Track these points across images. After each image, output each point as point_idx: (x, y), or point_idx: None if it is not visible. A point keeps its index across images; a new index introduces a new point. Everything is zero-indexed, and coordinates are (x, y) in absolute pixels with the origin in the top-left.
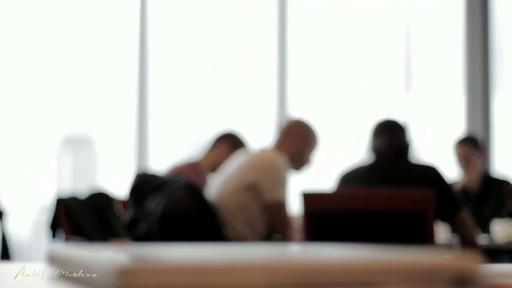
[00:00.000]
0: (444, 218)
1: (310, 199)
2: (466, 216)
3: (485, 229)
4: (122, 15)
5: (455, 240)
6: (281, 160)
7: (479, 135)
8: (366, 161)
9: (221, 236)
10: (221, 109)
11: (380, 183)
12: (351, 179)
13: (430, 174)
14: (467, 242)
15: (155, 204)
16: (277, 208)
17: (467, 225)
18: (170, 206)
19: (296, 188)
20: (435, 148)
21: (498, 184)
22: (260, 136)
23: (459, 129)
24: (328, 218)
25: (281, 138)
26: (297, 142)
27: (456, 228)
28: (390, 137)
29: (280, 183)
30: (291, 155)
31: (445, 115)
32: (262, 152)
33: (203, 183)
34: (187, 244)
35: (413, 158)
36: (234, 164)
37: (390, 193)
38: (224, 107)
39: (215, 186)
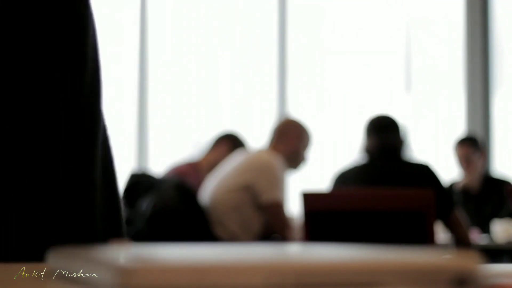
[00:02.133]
0: (439, 217)
1: (310, 199)
2: (460, 215)
3: (485, 229)
4: (122, 15)
5: (450, 239)
6: (277, 160)
7: (479, 135)
8: (359, 161)
9: (211, 235)
10: (221, 109)
11: (374, 182)
12: (345, 179)
13: (424, 173)
14: (460, 241)
15: (146, 204)
16: (275, 209)
17: (460, 224)
18: (158, 206)
19: (296, 188)
20: (435, 148)
21: (498, 184)
22: (260, 136)
23: (459, 129)
24: (328, 218)
25: (275, 139)
26: (291, 141)
27: (450, 227)
28: (381, 138)
29: (276, 184)
30: (287, 155)
31: (445, 115)
32: (258, 153)
33: (202, 183)
34: (187, 244)
35: (407, 156)
36: (230, 164)
37: (390, 193)
38: (224, 107)
39: (210, 186)
